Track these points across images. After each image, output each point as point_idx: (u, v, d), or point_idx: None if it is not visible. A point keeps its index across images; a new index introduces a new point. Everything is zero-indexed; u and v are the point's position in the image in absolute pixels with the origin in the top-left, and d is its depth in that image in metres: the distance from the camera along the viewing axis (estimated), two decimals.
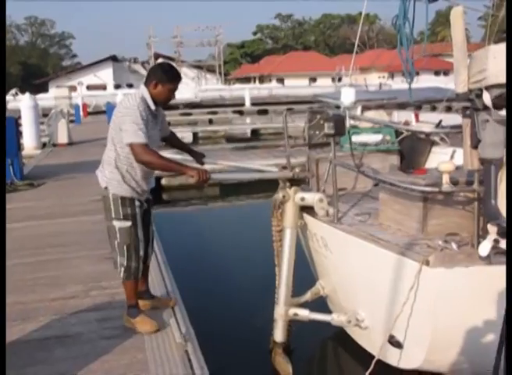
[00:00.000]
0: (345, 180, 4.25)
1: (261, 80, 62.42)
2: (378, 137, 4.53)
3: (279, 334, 4.13)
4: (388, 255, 3.35)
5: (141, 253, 3.65)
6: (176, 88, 3.59)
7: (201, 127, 28.77)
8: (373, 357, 3.50)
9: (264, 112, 36.14)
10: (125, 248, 3.58)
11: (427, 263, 3.14)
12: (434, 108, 5.70)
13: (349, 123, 3.38)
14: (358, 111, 5.06)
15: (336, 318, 3.91)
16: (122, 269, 3.62)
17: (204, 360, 3.43)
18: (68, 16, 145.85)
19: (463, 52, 3.05)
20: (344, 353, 4.72)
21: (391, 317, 3.40)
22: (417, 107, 5.46)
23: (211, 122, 33.83)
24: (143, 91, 3.52)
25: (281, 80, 57.91)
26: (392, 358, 3.66)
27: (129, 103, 3.41)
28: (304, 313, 3.97)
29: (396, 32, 4.04)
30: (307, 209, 3.97)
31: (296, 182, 4.20)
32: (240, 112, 36.51)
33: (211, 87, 50.93)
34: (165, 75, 3.52)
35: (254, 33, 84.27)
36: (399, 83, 36.02)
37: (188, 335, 3.70)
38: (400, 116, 5.82)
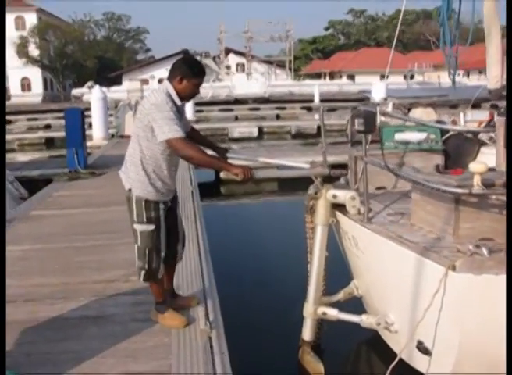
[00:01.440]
0: (384, 179, 4.10)
1: (332, 76, 61.80)
2: (422, 136, 4.31)
3: (307, 332, 4.07)
4: (415, 257, 3.22)
5: (162, 254, 3.58)
6: (201, 83, 3.49)
7: (267, 123, 28.78)
8: (404, 362, 3.39)
9: (333, 109, 35.77)
10: (146, 251, 3.50)
11: (453, 268, 3.00)
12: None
13: (379, 119, 3.18)
14: (389, 107, 4.82)
15: (365, 319, 3.79)
16: (143, 272, 3.56)
17: (229, 350, 3.46)
18: (143, 12, 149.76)
19: (495, 44, 2.83)
20: (375, 356, 4.59)
21: (420, 320, 3.25)
22: (455, 106, 5.16)
23: (278, 117, 33.82)
24: (167, 86, 3.42)
25: (351, 77, 57.09)
26: (421, 364, 3.53)
27: (156, 99, 3.32)
28: (333, 313, 3.88)
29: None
30: (340, 207, 3.87)
31: (334, 179, 4.09)
32: (309, 109, 36.21)
33: (281, 83, 50.92)
34: (190, 70, 3.42)
35: (326, 29, 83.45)
36: (474, 81, 34.62)
37: (215, 323, 3.76)
38: (474, 116, 5.49)
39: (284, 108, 37.27)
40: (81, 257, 5.58)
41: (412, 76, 49.64)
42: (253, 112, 35.00)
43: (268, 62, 64.36)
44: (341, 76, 57.36)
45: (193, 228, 6.64)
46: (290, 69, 61.29)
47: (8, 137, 24.87)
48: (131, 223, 3.54)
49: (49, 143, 23.90)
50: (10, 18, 59.52)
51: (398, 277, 3.47)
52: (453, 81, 3.86)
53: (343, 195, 3.72)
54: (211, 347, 3.49)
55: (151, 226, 3.47)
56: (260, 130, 26.49)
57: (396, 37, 4.43)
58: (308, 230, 4.09)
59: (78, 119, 11.88)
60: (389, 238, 3.41)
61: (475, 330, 3.12)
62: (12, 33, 57.35)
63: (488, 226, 3.29)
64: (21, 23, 59.14)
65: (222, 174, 12.81)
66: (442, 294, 3.04)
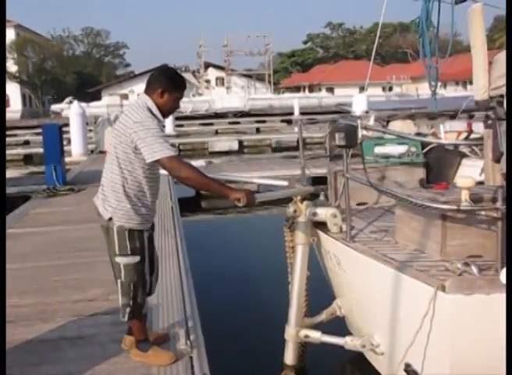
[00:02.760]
0: (365, 194, 3.99)
1: (311, 89, 62.16)
2: (402, 149, 4.26)
3: (289, 357, 3.91)
4: (401, 277, 3.08)
5: (147, 288, 3.34)
6: (182, 96, 3.25)
7: (247, 136, 28.80)
8: None
9: (313, 122, 35.86)
10: (131, 286, 3.20)
11: (442, 289, 2.86)
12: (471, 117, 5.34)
13: (361, 133, 3.09)
14: (371, 121, 4.79)
15: (349, 342, 3.63)
16: (128, 309, 3.25)
17: (210, 371, 3.36)
18: (122, 27, 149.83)
19: (482, 55, 2.79)
20: None
21: (406, 344, 3.13)
22: (440, 116, 5.13)
23: (258, 131, 33.86)
24: (146, 100, 3.14)
25: (331, 90, 57.52)
26: None
27: (139, 116, 3.02)
28: (316, 335, 3.72)
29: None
30: (321, 225, 3.73)
31: (314, 195, 4.01)
32: (289, 122, 36.33)
33: (260, 97, 51.12)
34: (171, 82, 3.17)
35: (305, 43, 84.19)
36: (451, 92, 35.07)
37: (196, 342, 3.67)
38: (453, 126, 5.45)
39: (264, 122, 37.35)
40: (59, 276, 5.47)
41: (391, 88, 50.20)
42: (233, 126, 34.99)
43: (248, 76, 64.56)
44: (320, 89, 57.79)
45: (173, 244, 6.56)
46: (270, 82, 61.56)
47: None
48: (111, 257, 3.23)
49: (28, 159, 23.60)
50: None
51: (383, 297, 3.34)
52: (434, 93, 3.84)
53: (323, 213, 3.58)
54: (192, 367, 3.41)
55: (137, 258, 3.18)
56: (240, 143, 26.54)
57: (374, 49, 4.40)
58: (288, 248, 3.94)
59: (56, 136, 11.71)
60: (372, 257, 3.29)
61: (467, 352, 3.00)
62: None
63: (477, 243, 3.19)
64: None
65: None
66: (431, 315, 2.92)
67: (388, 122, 4.94)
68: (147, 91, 3.19)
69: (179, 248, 6.40)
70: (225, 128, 33.85)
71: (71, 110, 18.48)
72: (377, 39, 5.18)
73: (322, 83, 58.96)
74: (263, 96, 51.97)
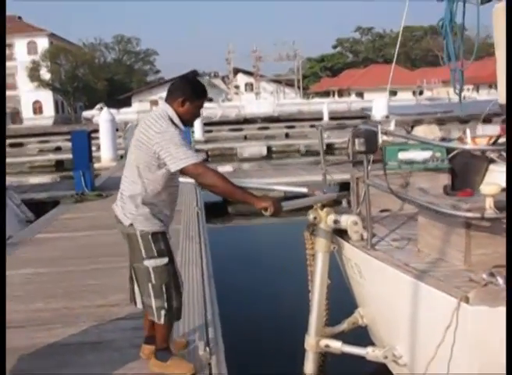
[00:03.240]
0: (388, 201, 3.88)
1: (340, 94, 61.86)
2: (427, 154, 4.14)
3: (309, 366, 3.80)
4: (423, 287, 2.98)
5: (182, 290, 3.28)
6: (203, 105, 3.21)
7: (275, 141, 28.81)
8: None
9: (342, 127, 35.60)
10: (163, 288, 3.14)
11: (466, 300, 2.73)
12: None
13: (381, 139, 3.00)
14: (392, 125, 4.68)
15: (371, 352, 3.52)
16: (163, 312, 3.16)
17: None
18: (153, 34, 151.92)
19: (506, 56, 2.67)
20: None
21: (429, 357, 3.02)
22: (465, 121, 4.97)
23: (287, 136, 33.84)
24: (167, 109, 3.11)
25: (360, 94, 57.16)
26: None
27: (160, 126, 2.98)
28: (337, 345, 3.60)
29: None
30: (342, 232, 3.64)
31: (337, 202, 3.94)
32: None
33: (289, 102, 51.20)
34: (192, 91, 3.13)
35: (334, 47, 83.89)
36: (484, 96, 34.41)
37: (216, 349, 3.65)
38: (485, 130, 5.27)
39: (293, 127, 37.31)
40: (84, 281, 5.55)
41: (421, 92, 49.58)
42: (262, 132, 35.05)
43: (277, 81, 64.72)
44: (350, 94, 57.43)
45: (198, 250, 6.58)
46: (299, 87, 61.53)
47: (19, 159, 25.12)
48: (137, 263, 3.18)
49: (59, 165, 24.00)
50: (23, 43, 60.58)
51: (405, 308, 3.23)
52: (460, 96, 3.73)
53: (344, 220, 3.48)
54: (210, 373, 3.38)
55: (165, 259, 3.14)
56: (269, 149, 26.56)
57: (395, 54, 4.30)
58: (309, 256, 3.88)
59: (85, 142, 11.88)
60: (393, 266, 3.20)
61: (491, 367, 2.84)
62: (24, 58, 58.28)
63: (503, 253, 2.96)
64: (33, 48, 60.13)
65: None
66: (454, 328, 2.80)
67: (412, 127, 4.83)
68: (168, 100, 3.16)
69: (203, 254, 6.41)
70: (254, 133, 33.95)
71: (101, 117, 18.74)
72: (397, 44, 5.10)
73: (352, 88, 58.62)
74: (292, 101, 52.04)
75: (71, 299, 4.95)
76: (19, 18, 64.10)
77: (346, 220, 3.44)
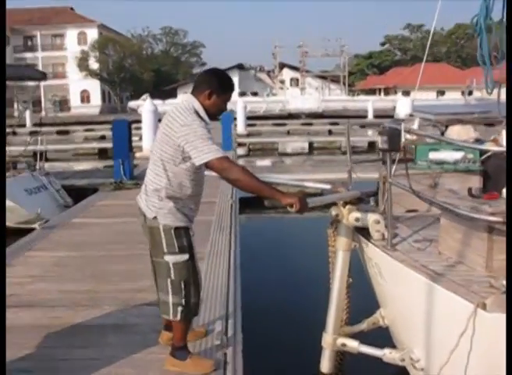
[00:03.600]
0: (415, 201, 3.76)
1: (387, 92, 60.91)
2: (458, 155, 4.02)
3: (325, 365, 3.77)
4: (440, 291, 2.88)
5: (201, 287, 3.24)
6: (230, 98, 3.16)
7: (317, 137, 28.57)
8: None
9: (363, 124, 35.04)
10: (182, 284, 3.09)
11: (483, 306, 2.63)
12: None
13: (404, 137, 2.92)
14: (415, 124, 4.55)
15: (388, 354, 3.44)
16: (179, 308, 3.12)
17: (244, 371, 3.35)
18: (200, 27, 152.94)
19: None
20: None
21: (444, 363, 2.93)
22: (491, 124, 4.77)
23: (330, 133, 33.52)
24: (193, 102, 3.05)
25: (407, 93, 56.09)
26: None
27: (185, 119, 2.94)
28: (353, 345, 3.55)
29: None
30: (363, 231, 3.56)
31: (364, 200, 3.88)
32: (362, 125, 35.73)
33: (334, 98, 50.79)
34: (220, 84, 3.09)
35: (382, 44, 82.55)
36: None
37: (233, 340, 3.69)
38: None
39: (337, 124, 36.95)
40: (114, 265, 5.70)
41: (470, 92, 48.33)
42: (305, 127, 34.82)
43: (323, 77, 64.26)
44: (396, 92, 56.47)
45: (227, 241, 6.65)
46: (344, 84, 60.94)
47: (64, 146, 25.78)
48: (157, 257, 3.15)
49: (102, 153, 24.49)
50: (74, 33, 62.11)
51: (423, 311, 3.14)
52: (498, 98, 3.59)
53: (366, 218, 3.42)
54: (225, 363, 3.40)
55: (185, 256, 3.09)
56: (310, 144, 26.39)
57: (425, 56, 4.15)
58: (331, 253, 3.82)
59: (125, 131, 12.07)
60: (412, 267, 3.11)
61: None
62: (74, 48, 59.73)
63: None
64: (83, 38, 61.58)
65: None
66: (470, 334, 2.69)
67: (447, 126, 4.69)
68: (194, 92, 3.10)
69: (232, 245, 6.46)
70: (297, 129, 33.77)
71: (144, 107, 18.93)
72: (428, 46, 4.95)
73: (398, 86, 57.58)
74: (337, 98, 51.64)
75: (98, 282, 5.11)
76: (72, 9, 65.73)
77: (368, 218, 3.38)
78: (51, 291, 4.88)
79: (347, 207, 3.43)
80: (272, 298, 6.29)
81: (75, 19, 63.08)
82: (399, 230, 3.71)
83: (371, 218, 3.39)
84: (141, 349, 3.60)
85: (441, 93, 53.67)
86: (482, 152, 4.05)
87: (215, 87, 3.06)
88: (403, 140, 2.87)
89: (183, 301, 3.10)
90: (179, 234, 3.07)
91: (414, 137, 3.51)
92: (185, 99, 3.11)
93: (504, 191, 2.83)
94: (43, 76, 11.80)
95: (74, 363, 3.47)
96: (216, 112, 3.13)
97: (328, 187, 3.76)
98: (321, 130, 33.96)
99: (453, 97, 45.51)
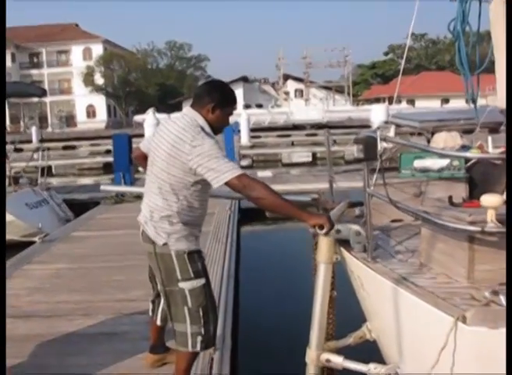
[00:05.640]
0: (401, 211, 3.74)
1: (391, 101, 60.89)
2: (443, 163, 4.00)
3: None
4: (421, 304, 2.76)
5: (218, 312, 3.10)
6: (233, 111, 3.01)
7: (320, 148, 28.59)
8: None
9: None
10: (201, 311, 2.87)
11: (463, 320, 2.49)
12: None
13: (380, 145, 2.87)
14: (391, 132, 4.53)
15: (373, 369, 3.24)
16: (199, 338, 2.88)
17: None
18: (204, 40, 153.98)
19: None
20: None
21: None
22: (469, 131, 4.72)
23: (335, 142, 33.50)
24: (195, 117, 2.86)
25: (411, 102, 56.11)
26: None
27: (193, 138, 2.72)
28: (338, 360, 3.33)
29: None
30: (345, 243, 3.42)
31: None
32: None
33: (339, 109, 50.83)
34: (224, 97, 2.92)
35: (386, 54, 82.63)
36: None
37: (221, 345, 3.78)
38: (494, 140, 5.01)
39: (344, 134, 36.93)
40: (110, 276, 5.85)
41: (474, 101, 48.02)
42: (310, 138, 34.86)
43: (327, 88, 64.37)
44: (400, 101, 56.43)
45: (223, 251, 6.77)
46: (349, 94, 61.00)
47: (69, 161, 25.96)
48: (170, 286, 2.88)
49: (107, 167, 24.58)
50: (79, 49, 62.74)
51: (406, 325, 3.04)
52: (471, 102, 3.59)
53: (346, 230, 3.30)
54: (211, 368, 3.49)
55: (202, 281, 2.89)
56: (314, 155, 26.44)
57: (402, 67, 4.17)
58: (315, 266, 3.56)
59: (125, 144, 12.22)
60: (391, 280, 2.99)
61: None
62: (79, 64, 60.32)
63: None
64: (88, 54, 62.21)
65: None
66: (452, 349, 2.56)
67: (433, 133, 4.68)
68: (196, 106, 2.92)
69: (227, 255, 6.61)
70: (302, 140, 33.79)
71: (146, 121, 19.12)
72: (405, 54, 4.97)
73: (402, 95, 57.55)
74: (341, 108, 51.67)
75: (93, 293, 5.26)
76: (77, 25, 66.41)
77: (349, 230, 3.32)
78: (47, 302, 5.03)
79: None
80: (267, 308, 6.27)
81: (80, 35, 63.74)
82: (381, 242, 3.63)
83: (352, 229, 3.31)
84: (130, 356, 3.73)
85: (445, 101, 53.55)
86: (467, 159, 4.02)
87: (218, 100, 2.89)
88: (379, 148, 2.84)
89: (203, 330, 2.89)
90: (192, 259, 2.89)
91: (391, 145, 3.49)
92: (185, 114, 2.92)
93: (482, 198, 2.76)
94: (43, 93, 11.96)
95: (66, 370, 3.59)
96: (220, 126, 2.97)
97: (308, 199, 3.73)
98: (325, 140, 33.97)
99: (458, 105, 45.41)
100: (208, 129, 2.85)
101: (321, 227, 2.79)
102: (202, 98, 2.90)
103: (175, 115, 3.00)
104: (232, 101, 2.99)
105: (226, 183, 2.68)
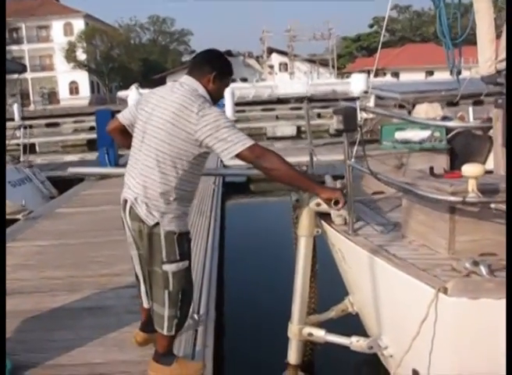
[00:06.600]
0: (383, 183, 3.72)
1: (376, 73, 60.72)
2: (424, 134, 3.98)
3: (293, 355, 3.66)
4: (402, 276, 2.76)
5: (193, 296, 3.05)
6: (230, 83, 2.89)
7: (304, 121, 28.50)
8: None
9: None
10: (180, 295, 2.80)
11: (444, 291, 2.50)
12: None
13: (360, 116, 2.82)
14: (371, 102, 4.50)
15: (355, 342, 3.30)
16: (175, 321, 2.84)
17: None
18: (187, 14, 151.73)
19: (488, 22, 2.49)
20: None
21: (411, 349, 2.81)
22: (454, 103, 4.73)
23: (319, 116, 33.43)
24: (197, 86, 2.71)
25: (396, 74, 55.93)
26: None
27: (199, 107, 2.58)
28: (320, 334, 3.42)
29: None
30: (326, 216, 3.41)
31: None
32: None
33: (323, 82, 50.50)
34: (225, 66, 2.81)
35: (371, 26, 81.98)
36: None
37: (205, 317, 3.87)
38: (478, 111, 4.99)
39: (327, 107, 36.80)
40: (93, 252, 5.87)
41: (459, 72, 48.00)
42: (294, 112, 34.73)
43: (311, 61, 63.93)
44: (385, 74, 56.23)
45: (206, 225, 6.84)
46: (334, 67, 60.66)
47: (53, 138, 25.65)
48: (153, 266, 2.79)
49: (91, 144, 24.34)
50: (59, 24, 61.43)
51: (387, 297, 3.05)
52: (455, 73, 3.57)
53: None
54: (195, 339, 3.53)
55: (186, 263, 2.81)
56: (298, 128, 26.42)
57: (380, 43, 4.09)
58: (296, 240, 3.64)
59: (109, 120, 11.96)
60: (373, 253, 2.97)
61: (472, 361, 2.65)
62: (60, 39, 59.14)
63: (490, 239, 2.80)
64: (69, 29, 60.98)
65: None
66: (433, 320, 2.58)
67: (414, 105, 4.66)
68: (195, 75, 2.76)
69: (211, 228, 6.64)
70: (286, 113, 33.67)
71: (129, 97, 18.86)
72: (383, 31, 4.93)
73: (387, 68, 57.33)
74: (326, 81, 51.31)
75: (77, 269, 5.27)
76: (57, 0, 64.96)
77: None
78: (31, 279, 5.05)
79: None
80: (251, 281, 6.27)
81: (60, 9, 62.38)
82: (363, 214, 3.61)
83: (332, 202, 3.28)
84: (115, 329, 3.76)
85: (430, 73, 53.45)
86: (449, 130, 4.01)
87: (220, 69, 2.78)
88: (359, 119, 2.80)
89: (178, 312, 2.84)
90: (181, 240, 2.77)
91: (371, 116, 3.46)
92: (184, 82, 2.76)
93: (463, 168, 2.72)
94: (23, 69, 11.75)
95: (50, 345, 3.60)
96: (217, 97, 2.83)
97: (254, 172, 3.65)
98: (310, 113, 33.84)
99: (442, 77, 45.37)
100: (209, 99, 2.72)
101: (336, 203, 2.69)
102: (203, 66, 2.77)
103: (168, 84, 2.88)
104: (231, 72, 2.90)
105: (238, 156, 2.56)
